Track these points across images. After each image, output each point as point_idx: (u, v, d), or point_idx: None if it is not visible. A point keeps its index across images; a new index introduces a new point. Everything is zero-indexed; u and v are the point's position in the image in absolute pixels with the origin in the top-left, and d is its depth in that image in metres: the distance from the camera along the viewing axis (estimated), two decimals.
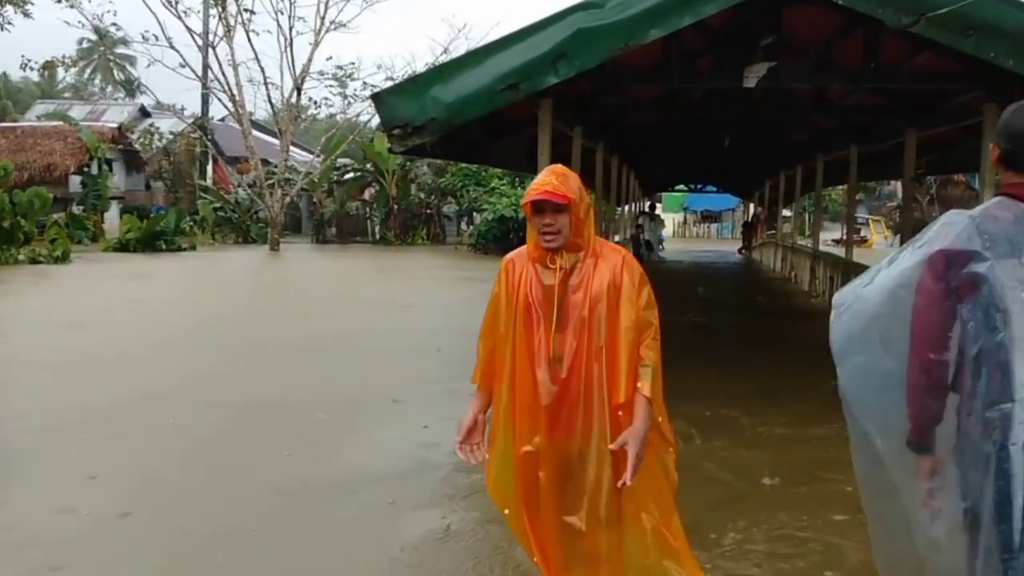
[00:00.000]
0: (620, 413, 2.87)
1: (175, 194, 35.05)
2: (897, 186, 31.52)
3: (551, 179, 2.89)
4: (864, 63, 6.77)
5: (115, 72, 58.01)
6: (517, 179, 28.30)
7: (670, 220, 36.41)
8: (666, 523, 2.96)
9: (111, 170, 31.32)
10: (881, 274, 2.47)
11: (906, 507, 2.40)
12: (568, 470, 2.93)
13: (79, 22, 35.38)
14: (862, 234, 32.28)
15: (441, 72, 5.67)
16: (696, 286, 17.50)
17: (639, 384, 2.87)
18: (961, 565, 2.33)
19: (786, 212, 28.09)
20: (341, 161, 34.24)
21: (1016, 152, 2.38)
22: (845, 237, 15.65)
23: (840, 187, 26.63)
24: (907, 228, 10.42)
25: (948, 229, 2.33)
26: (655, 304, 2.98)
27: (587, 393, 2.88)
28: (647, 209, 27.94)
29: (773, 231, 27.37)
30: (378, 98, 5.74)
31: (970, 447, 2.28)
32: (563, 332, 2.89)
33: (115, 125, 34.05)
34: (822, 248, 16.97)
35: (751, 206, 33.75)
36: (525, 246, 3.04)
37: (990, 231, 2.29)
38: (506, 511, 3.04)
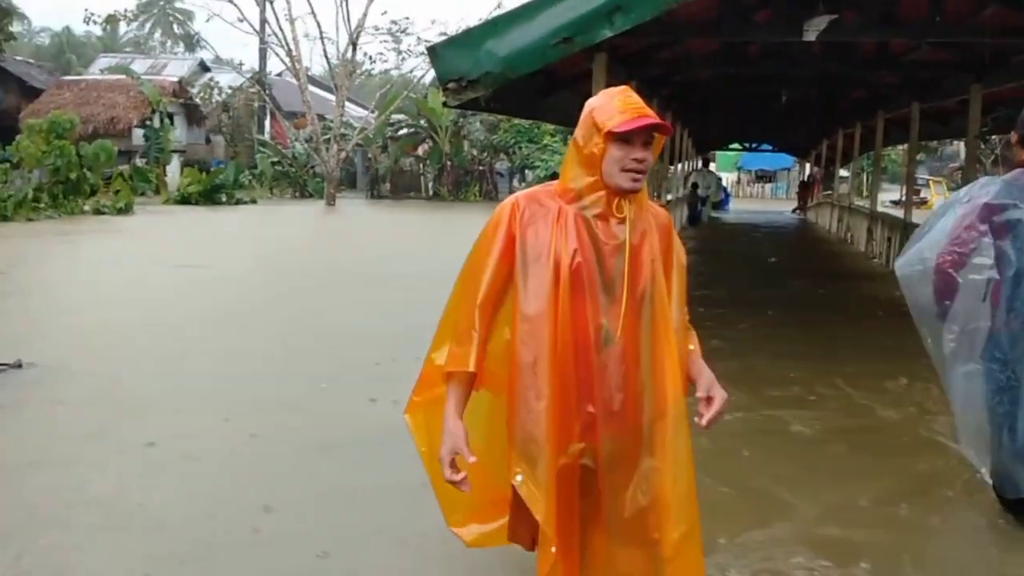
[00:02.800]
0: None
1: (234, 148, 35.67)
2: (960, 146, 30.63)
3: (638, 100, 2.19)
4: (929, 16, 6.64)
5: (174, 27, 58.80)
6: (569, 136, 28.09)
7: (724, 180, 35.90)
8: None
9: (172, 123, 31.95)
10: (935, 225, 3.59)
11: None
12: (630, 463, 2.29)
13: None
14: (922, 195, 31.43)
15: (495, 25, 5.69)
16: (753, 248, 17.33)
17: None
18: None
19: (843, 172, 27.50)
20: (395, 117, 34.40)
21: None
22: (904, 198, 15.34)
23: (900, 147, 25.96)
24: None
25: (988, 188, 3.49)
26: None
27: (655, 382, 2.27)
28: (700, 166, 27.39)
29: (829, 192, 26.83)
30: (433, 51, 5.80)
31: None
32: (617, 304, 2.23)
33: (176, 79, 34.67)
34: (880, 209, 16.64)
35: (807, 166, 33.09)
36: (540, 187, 2.36)
37: (1020, 187, 3.44)
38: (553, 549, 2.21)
